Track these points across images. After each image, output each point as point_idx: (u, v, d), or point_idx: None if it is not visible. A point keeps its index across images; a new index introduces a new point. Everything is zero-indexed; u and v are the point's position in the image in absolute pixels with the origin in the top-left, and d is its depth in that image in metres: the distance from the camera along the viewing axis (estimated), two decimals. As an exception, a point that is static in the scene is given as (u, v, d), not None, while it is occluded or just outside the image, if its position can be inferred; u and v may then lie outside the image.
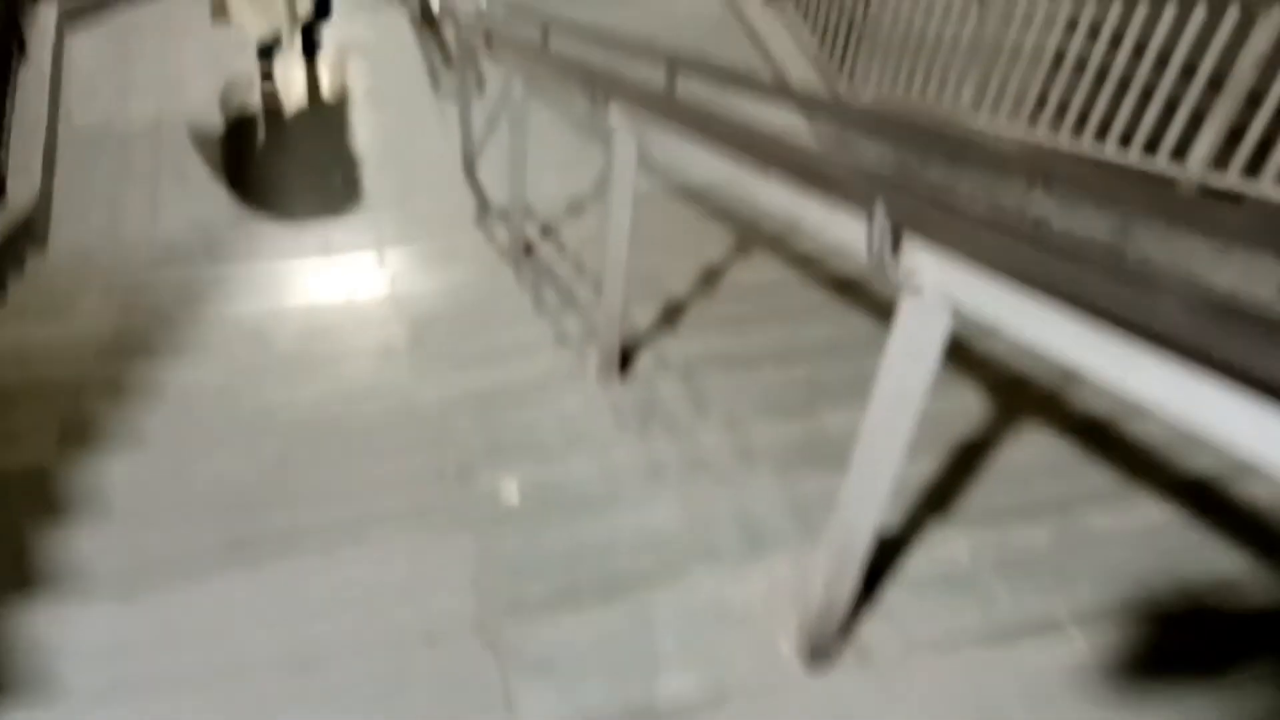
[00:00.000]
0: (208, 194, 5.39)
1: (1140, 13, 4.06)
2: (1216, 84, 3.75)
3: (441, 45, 6.56)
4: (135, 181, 5.48)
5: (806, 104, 2.36)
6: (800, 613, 2.02)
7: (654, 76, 3.14)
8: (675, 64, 2.52)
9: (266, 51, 6.13)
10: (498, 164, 4.95)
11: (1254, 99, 3.61)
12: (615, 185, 2.76)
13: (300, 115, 6.28)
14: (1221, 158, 3.73)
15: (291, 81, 6.45)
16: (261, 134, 6.08)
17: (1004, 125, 4.85)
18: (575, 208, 5.12)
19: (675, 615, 2.16)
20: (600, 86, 2.67)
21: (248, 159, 5.81)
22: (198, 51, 6.68)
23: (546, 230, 4.89)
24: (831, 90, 6.12)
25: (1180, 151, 3.89)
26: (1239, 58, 3.58)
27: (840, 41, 6.10)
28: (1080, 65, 4.41)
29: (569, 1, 7.87)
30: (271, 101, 6.22)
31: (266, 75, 6.20)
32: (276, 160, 5.82)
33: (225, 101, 6.25)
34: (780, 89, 2.83)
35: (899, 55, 5.57)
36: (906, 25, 5.49)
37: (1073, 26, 4.50)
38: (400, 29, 7.05)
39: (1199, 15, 3.75)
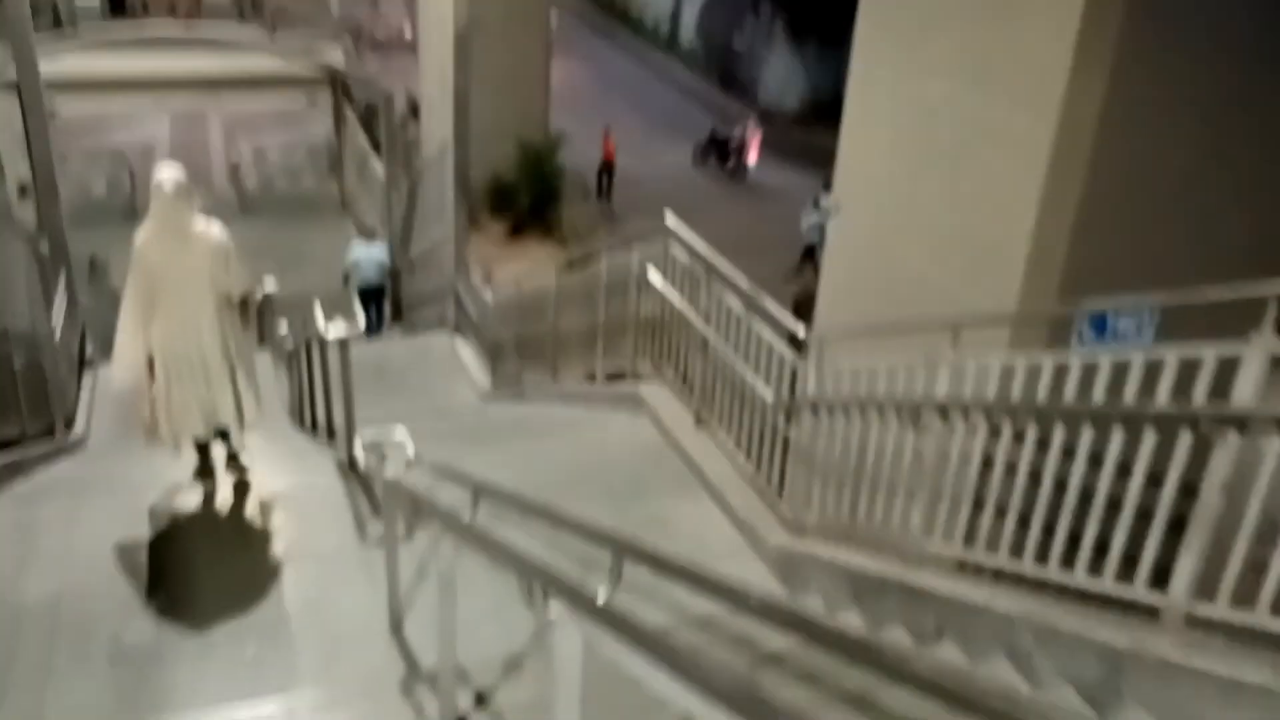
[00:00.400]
0: (105, 678, 4.82)
1: (1088, 432, 4.00)
2: (1190, 491, 3.60)
3: (368, 492, 6.35)
4: (21, 671, 4.90)
5: (767, 613, 2.08)
6: None
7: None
8: (621, 553, 2.23)
9: (204, 457, 6.37)
10: (427, 617, 4.53)
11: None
12: (559, 691, 2.37)
13: (225, 546, 6.00)
14: (1207, 585, 3.49)
15: (222, 504, 6.39)
16: (190, 544, 5.92)
17: (958, 551, 4.65)
18: (513, 664, 4.65)
19: None
20: (538, 581, 2.36)
21: (174, 570, 5.60)
22: (114, 509, 6.37)
23: (481, 699, 4.39)
24: (772, 512, 5.96)
25: (1160, 578, 3.66)
26: (1204, 480, 3.45)
27: (775, 464, 6.04)
28: (1034, 479, 4.29)
29: (505, 436, 7.93)
30: (206, 507, 6.25)
31: (207, 474, 6.40)
32: (197, 580, 5.59)
33: (154, 519, 6.13)
34: (737, 594, 2.55)
35: (839, 476, 5.47)
36: (844, 446, 5.44)
37: (1019, 439, 4.42)
38: (328, 474, 6.87)
39: (1150, 439, 3.69)
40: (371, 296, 13.78)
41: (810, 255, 16.76)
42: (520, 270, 17.87)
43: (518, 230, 20.87)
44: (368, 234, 14.65)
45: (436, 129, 19.47)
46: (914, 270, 6.51)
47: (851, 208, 7.20)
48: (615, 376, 7.82)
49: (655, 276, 6.82)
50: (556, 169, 20.93)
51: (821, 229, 15.72)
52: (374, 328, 13.54)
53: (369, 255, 13.88)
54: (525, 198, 20.46)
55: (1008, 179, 5.68)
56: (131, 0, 22.35)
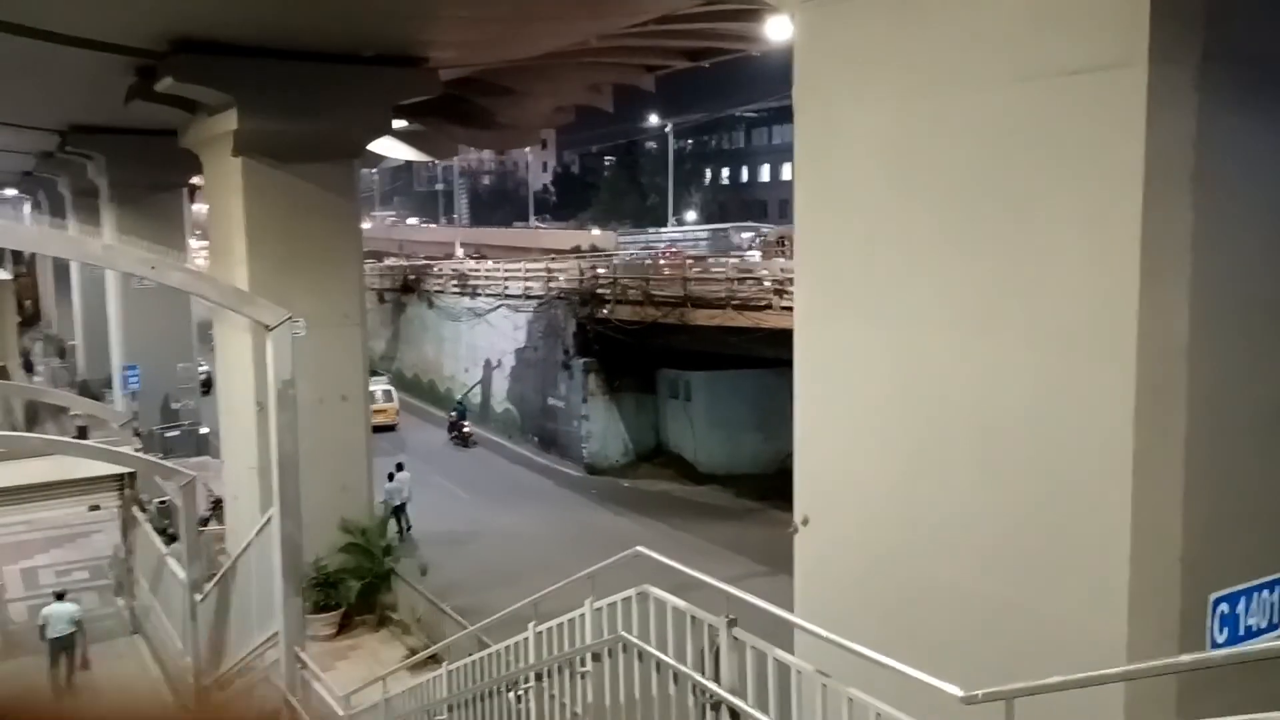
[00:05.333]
0: None
1: None
2: None
3: None
4: None
5: None
6: None
7: None
8: None
9: None
10: None
11: None
12: None
13: None
14: None
15: None
16: None
17: None
18: None
19: None
20: None
21: None
22: None
23: None
24: None
25: None
26: None
27: None
28: None
29: None
30: None
31: None
32: None
33: None
34: None
35: None
36: None
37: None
38: None
39: None
40: (63, 646, 14.95)
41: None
42: (358, 674, 15.23)
43: (345, 624, 18.29)
44: (58, 594, 15.61)
45: (245, 523, 17.21)
46: (941, 583, 4.97)
47: (826, 517, 5.71)
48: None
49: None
50: (387, 548, 18.82)
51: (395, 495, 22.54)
52: (64, 678, 14.73)
53: (59, 611, 15.01)
54: (353, 585, 18.04)
55: (1080, 443, 4.38)
56: None
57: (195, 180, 31.68)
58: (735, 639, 3.88)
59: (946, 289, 5.02)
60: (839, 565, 5.62)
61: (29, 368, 42.70)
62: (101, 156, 29.41)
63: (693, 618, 4.06)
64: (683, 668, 4.01)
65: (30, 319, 55.07)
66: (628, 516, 25.49)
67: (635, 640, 4.39)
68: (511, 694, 5.35)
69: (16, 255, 60.64)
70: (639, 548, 4.84)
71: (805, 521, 5.79)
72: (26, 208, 61.74)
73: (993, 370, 4.80)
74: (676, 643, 4.17)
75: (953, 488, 5.00)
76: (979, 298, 4.89)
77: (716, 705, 3.91)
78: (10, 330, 34.09)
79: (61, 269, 47.31)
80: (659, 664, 4.22)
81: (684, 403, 31.11)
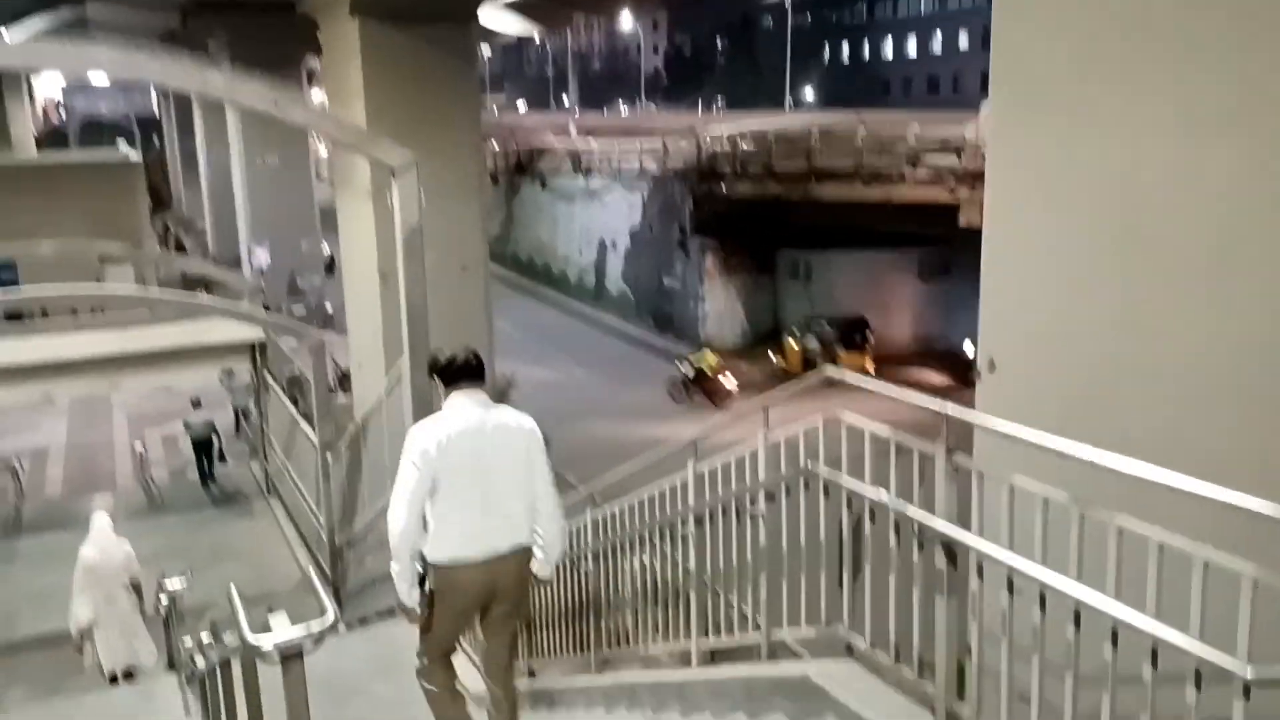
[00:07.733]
0: None
1: None
2: None
3: None
4: None
5: None
6: None
7: None
8: None
9: None
10: None
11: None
12: None
13: None
14: None
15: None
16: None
17: None
18: None
19: None
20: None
21: None
22: None
23: None
24: None
25: None
26: None
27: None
28: None
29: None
30: None
31: None
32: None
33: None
34: None
35: None
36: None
37: None
38: None
39: None
40: (203, 448, 17.89)
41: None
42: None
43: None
44: (195, 403, 18.48)
45: (370, 390, 17.33)
46: (1154, 431, 4.30)
47: (1015, 362, 5.06)
48: (726, 653, 4.83)
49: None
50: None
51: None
52: (207, 472, 17.90)
53: (198, 417, 18.15)
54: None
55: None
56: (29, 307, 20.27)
57: (313, 65, 31.65)
58: (956, 468, 3.32)
59: (1179, 80, 4.16)
60: (1030, 415, 4.97)
61: (180, 246, 44.37)
62: (222, 33, 29.55)
63: (898, 445, 3.50)
64: (884, 497, 3.46)
65: (164, 202, 56.97)
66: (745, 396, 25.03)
67: (825, 471, 3.85)
68: (667, 540, 4.94)
69: (147, 140, 62.45)
70: (829, 368, 4.27)
71: (991, 367, 5.14)
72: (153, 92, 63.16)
73: (1236, 178, 3.97)
74: (875, 476, 3.63)
75: (1175, 321, 4.27)
76: (1223, 87, 4.02)
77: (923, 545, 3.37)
78: (143, 212, 35.02)
79: (189, 154, 48.51)
80: (850, 499, 3.69)
81: (804, 283, 30.25)
